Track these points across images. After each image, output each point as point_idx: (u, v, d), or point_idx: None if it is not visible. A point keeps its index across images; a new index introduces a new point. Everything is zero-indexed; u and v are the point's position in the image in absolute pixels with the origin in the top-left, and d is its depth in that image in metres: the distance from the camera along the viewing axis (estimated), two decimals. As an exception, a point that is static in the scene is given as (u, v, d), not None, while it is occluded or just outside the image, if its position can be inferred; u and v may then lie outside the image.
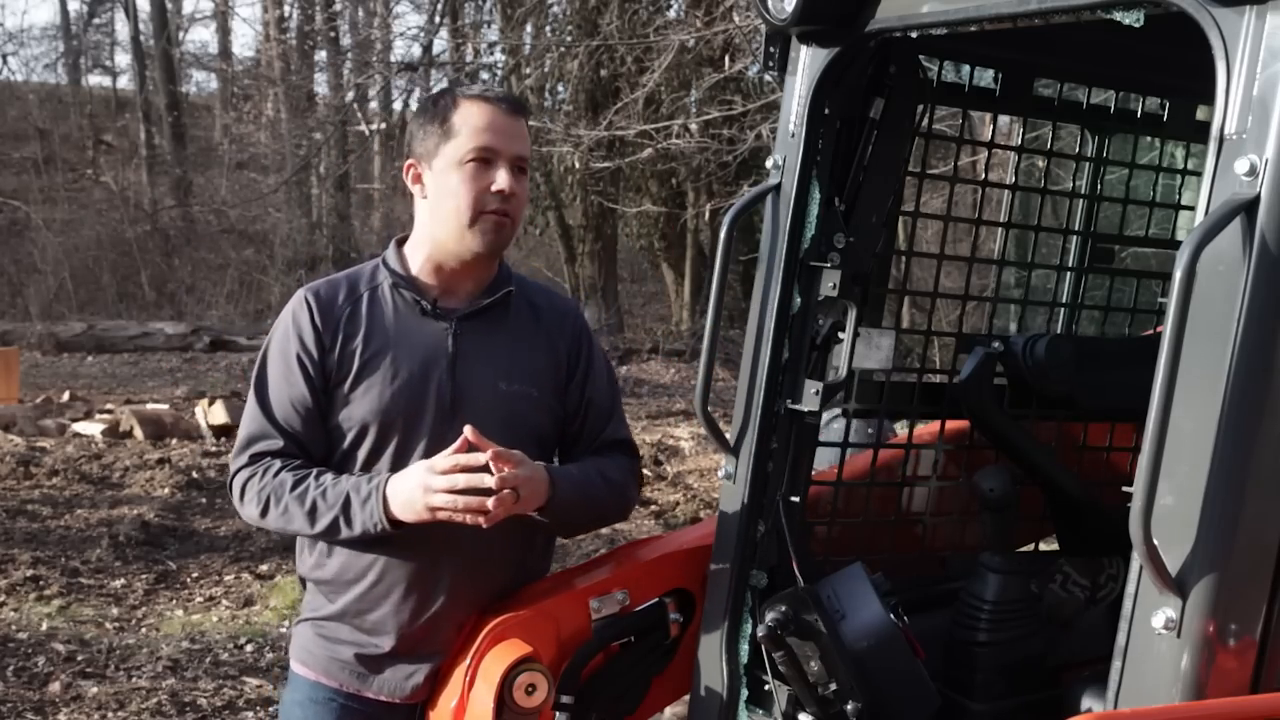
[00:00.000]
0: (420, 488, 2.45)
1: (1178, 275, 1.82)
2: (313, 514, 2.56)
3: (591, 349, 2.82)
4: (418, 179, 2.67)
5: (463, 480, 2.41)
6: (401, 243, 2.76)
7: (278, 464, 2.62)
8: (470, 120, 2.60)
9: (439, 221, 2.65)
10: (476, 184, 2.59)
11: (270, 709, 5.50)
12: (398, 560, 2.63)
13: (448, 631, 2.68)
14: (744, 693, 2.66)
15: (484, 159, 2.59)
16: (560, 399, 2.75)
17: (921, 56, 2.70)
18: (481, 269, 2.70)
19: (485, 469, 2.42)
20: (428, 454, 2.60)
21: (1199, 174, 2.01)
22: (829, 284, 2.60)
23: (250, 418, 2.69)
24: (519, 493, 2.46)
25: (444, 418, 2.62)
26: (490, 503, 2.40)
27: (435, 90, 2.70)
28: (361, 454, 2.63)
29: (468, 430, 2.44)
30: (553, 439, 2.78)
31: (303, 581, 2.81)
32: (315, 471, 2.60)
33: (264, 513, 2.62)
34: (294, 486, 2.58)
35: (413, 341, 2.64)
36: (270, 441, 2.65)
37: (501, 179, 2.59)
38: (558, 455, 2.83)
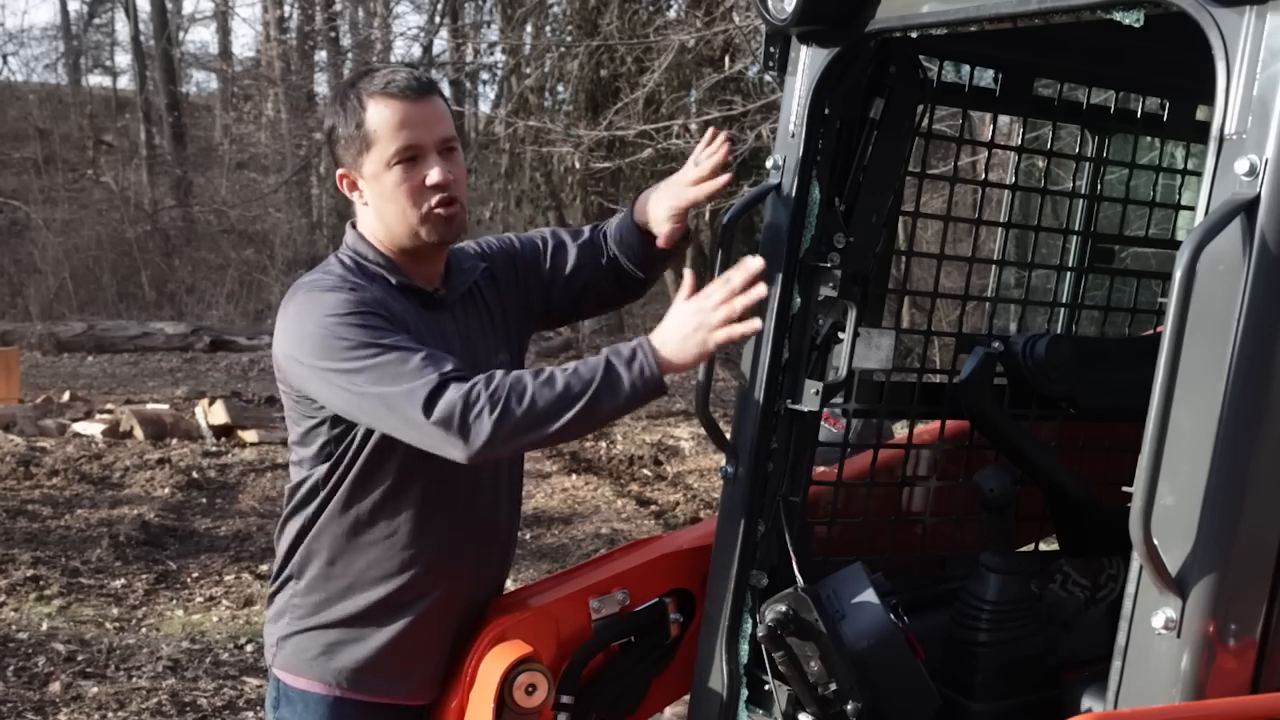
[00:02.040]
0: (697, 328, 2.31)
1: (1178, 275, 1.82)
2: (566, 393, 2.29)
3: (514, 239, 2.81)
4: (354, 187, 2.59)
5: (740, 304, 2.29)
6: (354, 228, 2.65)
7: (498, 374, 2.35)
8: (383, 121, 2.50)
9: (388, 224, 2.56)
10: (410, 183, 2.51)
11: (270, 709, 5.50)
12: (446, 550, 2.56)
13: (464, 628, 2.65)
14: (744, 693, 2.66)
15: (410, 157, 2.51)
16: (526, 342, 2.80)
17: (921, 56, 2.70)
18: (444, 252, 2.65)
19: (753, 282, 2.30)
20: None
21: (1199, 174, 2.01)
22: (829, 284, 2.60)
23: (400, 362, 2.34)
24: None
25: None
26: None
27: (337, 94, 2.64)
28: (403, 449, 2.47)
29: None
30: None
31: (278, 590, 2.66)
32: (570, 366, 2.37)
33: (503, 413, 2.28)
34: (535, 376, 2.33)
35: (432, 331, 2.55)
36: (450, 362, 2.37)
37: (434, 172, 2.50)
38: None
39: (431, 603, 2.58)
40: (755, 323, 2.29)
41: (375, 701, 2.60)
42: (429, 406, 2.30)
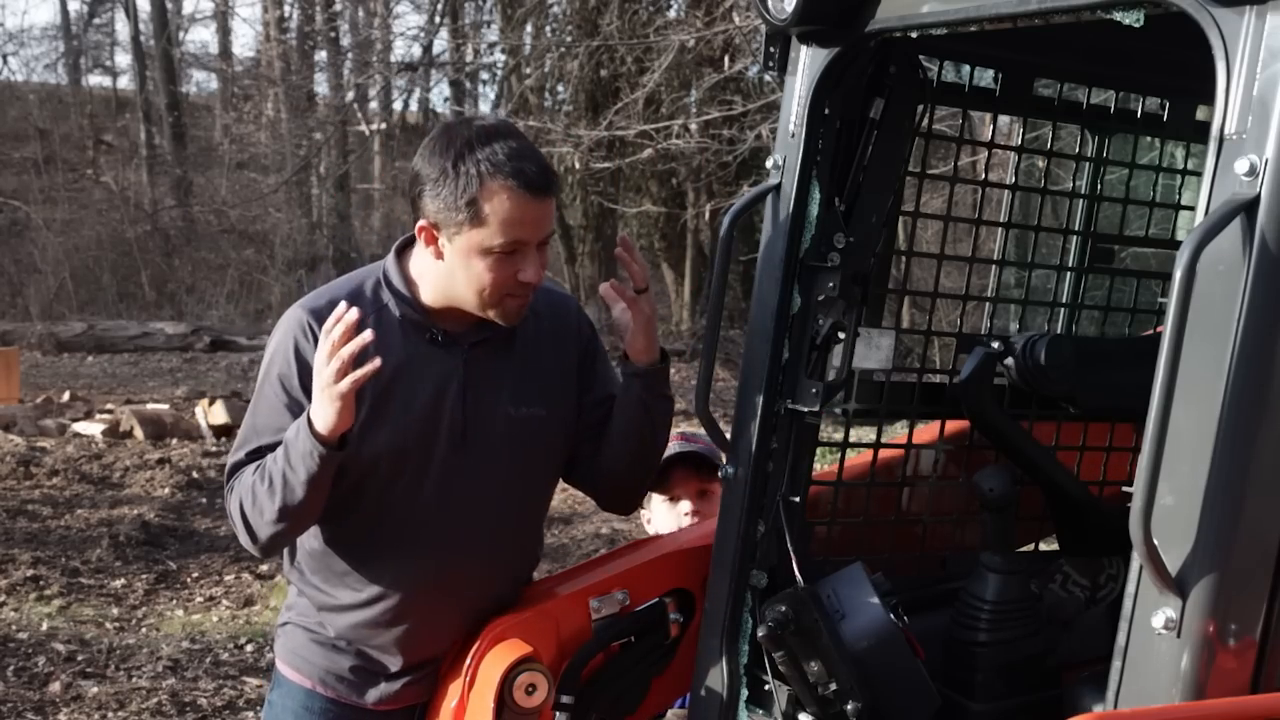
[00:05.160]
0: (320, 390, 2.36)
1: (1178, 275, 1.82)
2: (270, 484, 2.46)
3: (596, 341, 2.82)
4: (432, 241, 2.50)
5: (348, 351, 2.31)
6: (401, 251, 2.64)
7: (249, 469, 2.56)
8: (500, 212, 2.40)
9: (455, 291, 2.53)
10: (502, 273, 2.46)
11: (270, 709, 5.52)
12: (407, 589, 2.61)
13: (449, 643, 2.69)
14: (744, 693, 2.65)
15: (513, 251, 2.46)
16: (573, 408, 2.73)
17: (921, 56, 2.70)
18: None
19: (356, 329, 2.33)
20: (439, 485, 2.58)
21: (1199, 174, 2.01)
22: (829, 284, 2.60)
23: (243, 439, 2.61)
24: None
25: (455, 447, 2.59)
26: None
27: (451, 143, 2.45)
28: (372, 487, 2.56)
29: None
30: (561, 455, 2.76)
31: (290, 584, 2.78)
32: (266, 457, 2.52)
33: (246, 523, 2.54)
34: (261, 479, 2.50)
35: (423, 373, 2.57)
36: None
37: (529, 271, 2.47)
38: (577, 449, 2.80)
39: (395, 630, 2.64)
40: (367, 367, 2.32)
41: (344, 702, 2.69)
42: (227, 505, 2.62)
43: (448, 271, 2.52)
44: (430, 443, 2.57)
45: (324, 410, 2.36)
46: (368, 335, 2.32)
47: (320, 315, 2.48)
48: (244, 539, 2.59)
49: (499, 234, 2.43)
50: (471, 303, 2.53)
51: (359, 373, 2.31)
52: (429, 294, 2.58)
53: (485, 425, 2.61)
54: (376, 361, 2.33)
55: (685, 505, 3.41)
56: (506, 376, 2.64)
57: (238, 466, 2.59)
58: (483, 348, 2.62)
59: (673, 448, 3.35)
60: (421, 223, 2.50)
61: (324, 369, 2.33)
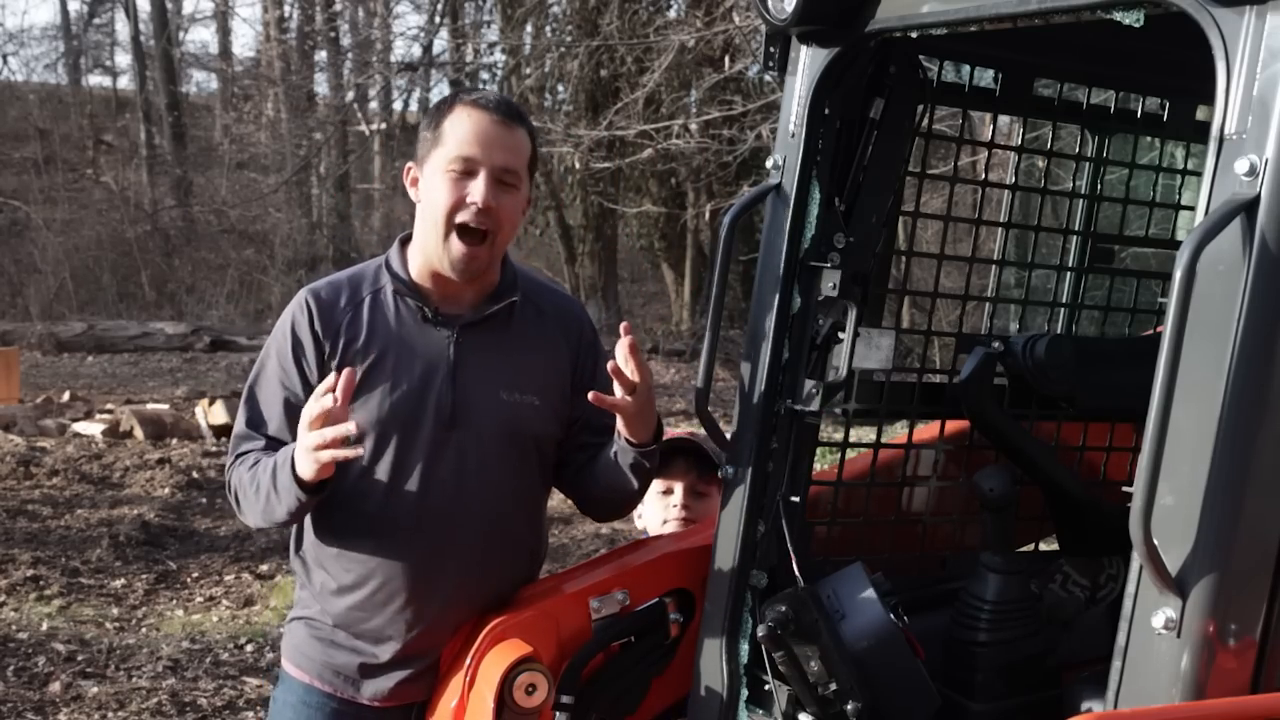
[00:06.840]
0: (302, 448, 2.42)
1: (1178, 275, 1.82)
2: (258, 492, 2.57)
3: (598, 353, 2.80)
4: (414, 183, 2.66)
5: (330, 433, 2.36)
6: (406, 242, 2.72)
7: (250, 459, 2.63)
8: (457, 128, 2.56)
9: (424, 228, 2.63)
10: (454, 194, 2.55)
11: (270, 709, 5.52)
12: (395, 569, 2.62)
13: (446, 637, 2.69)
14: (744, 693, 2.65)
15: (465, 170, 2.54)
16: (566, 403, 2.74)
17: (921, 56, 2.70)
18: (479, 279, 2.67)
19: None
20: (426, 466, 2.60)
21: (1199, 174, 2.01)
22: (829, 284, 2.60)
23: (241, 418, 2.70)
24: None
25: (443, 428, 2.61)
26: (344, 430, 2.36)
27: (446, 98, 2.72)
28: (356, 464, 2.59)
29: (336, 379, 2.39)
30: (553, 448, 2.77)
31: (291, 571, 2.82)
32: (265, 461, 2.59)
33: (239, 504, 2.67)
34: (250, 481, 2.61)
35: (413, 350, 2.62)
36: (254, 443, 2.66)
37: (476, 191, 2.53)
38: (563, 458, 2.81)
39: (388, 613, 2.65)
40: (349, 451, 2.36)
41: (341, 697, 2.70)
42: (227, 483, 2.70)
43: (420, 210, 2.63)
44: (416, 420, 2.60)
45: (304, 463, 2.44)
46: (350, 427, 2.37)
47: (318, 295, 2.64)
48: (235, 510, 2.73)
49: (453, 148, 2.55)
50: (433, 241, 2.59)
51: (339, 453, 2.37)
52: (416, 265, 2.67)
53: (476, 407, 2.63)
54: (358, 449, 2.40)
55: (677, 498, 3.30)
56: (500, 361, 2.66)
57: (239, 439, 2.70)
58: (476, 330, 2.66)
59: (678, 436, 3.27)
60: (408, 165, 2.68)
61: (309, 432, 2.39)
